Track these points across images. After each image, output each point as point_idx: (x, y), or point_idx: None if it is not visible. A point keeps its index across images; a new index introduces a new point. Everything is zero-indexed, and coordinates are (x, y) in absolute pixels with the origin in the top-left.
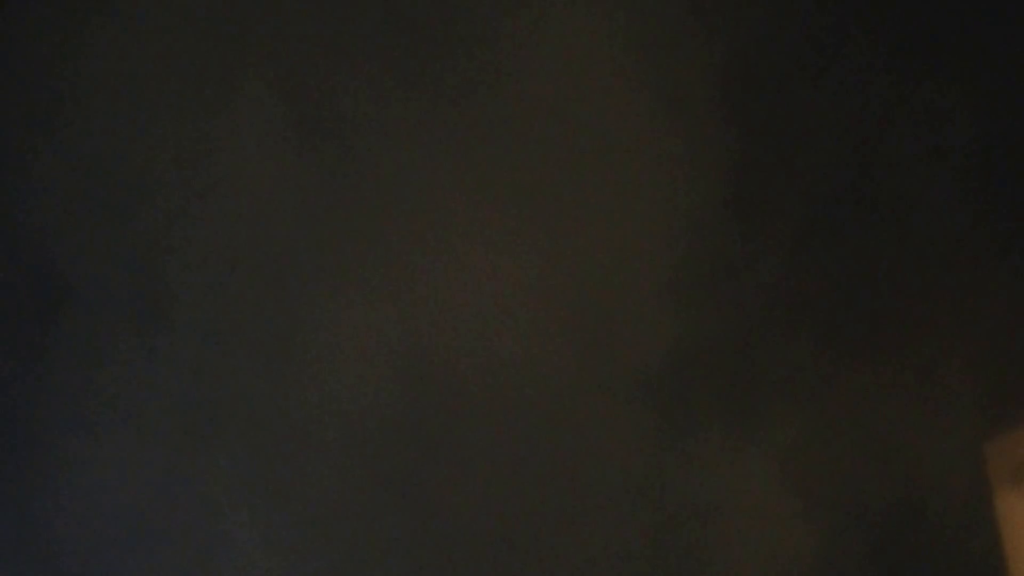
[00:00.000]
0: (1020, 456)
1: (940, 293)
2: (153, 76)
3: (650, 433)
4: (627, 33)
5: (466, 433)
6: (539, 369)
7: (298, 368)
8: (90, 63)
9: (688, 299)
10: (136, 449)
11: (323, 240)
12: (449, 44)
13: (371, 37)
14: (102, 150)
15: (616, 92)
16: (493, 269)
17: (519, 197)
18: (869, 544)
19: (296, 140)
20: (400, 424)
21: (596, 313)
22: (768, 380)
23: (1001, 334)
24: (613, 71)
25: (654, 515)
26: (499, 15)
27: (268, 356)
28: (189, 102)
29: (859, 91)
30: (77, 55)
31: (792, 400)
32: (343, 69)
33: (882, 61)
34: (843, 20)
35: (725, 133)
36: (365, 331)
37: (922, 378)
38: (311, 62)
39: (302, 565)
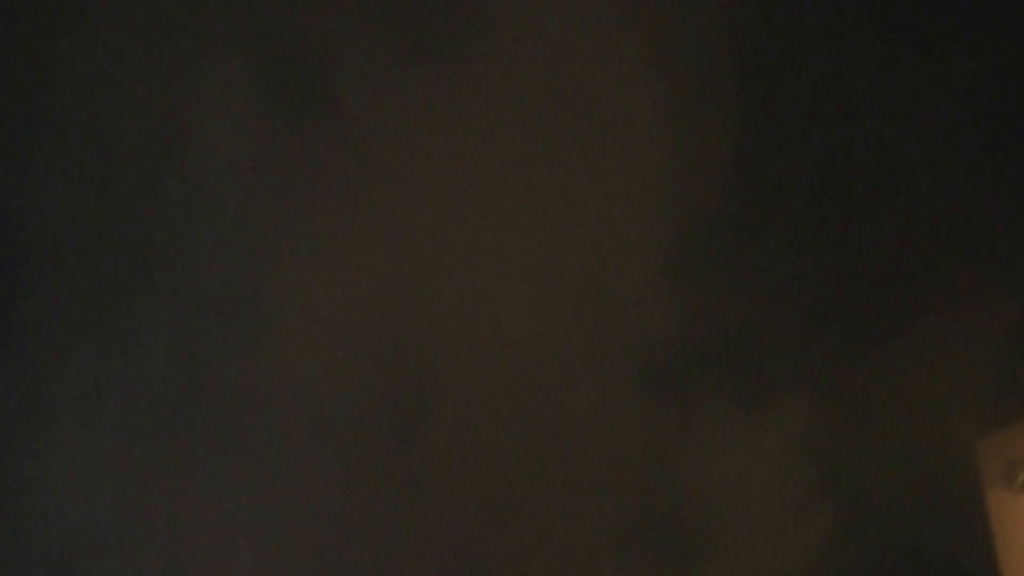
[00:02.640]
0: (1012, 455)
1: (940, 289)
2: (117, 34)
3: (654, 413)
4: None
5: (449, 416)
6: (531, 349)
7: (272, 347)
8: (60, 25)
9: (692, 277)
10: (106, 439)
11: (301, 210)
12: (441, 7)
13: None
14: (71, 118)
15: (618, 63)
16: (482, 244)
17: (513, 168)
18: (879, 526)
19: (271, 105)
20: (377, 405)
21: (594, 290)
22: (772, 360)
23: (996, 335)
24: (615, 38)
25: (660, 496)
26: None
27: (242, 334)
28: (155, 63)
29: (869, 66)
30: (47, 16)
31: (797, 381)
32: (320, 30)
33: (892, 35)
34: None
35: (730, 110)
36: (344, 307)
37: (920, 375)
38: (287, 22)
39: (279, 546)
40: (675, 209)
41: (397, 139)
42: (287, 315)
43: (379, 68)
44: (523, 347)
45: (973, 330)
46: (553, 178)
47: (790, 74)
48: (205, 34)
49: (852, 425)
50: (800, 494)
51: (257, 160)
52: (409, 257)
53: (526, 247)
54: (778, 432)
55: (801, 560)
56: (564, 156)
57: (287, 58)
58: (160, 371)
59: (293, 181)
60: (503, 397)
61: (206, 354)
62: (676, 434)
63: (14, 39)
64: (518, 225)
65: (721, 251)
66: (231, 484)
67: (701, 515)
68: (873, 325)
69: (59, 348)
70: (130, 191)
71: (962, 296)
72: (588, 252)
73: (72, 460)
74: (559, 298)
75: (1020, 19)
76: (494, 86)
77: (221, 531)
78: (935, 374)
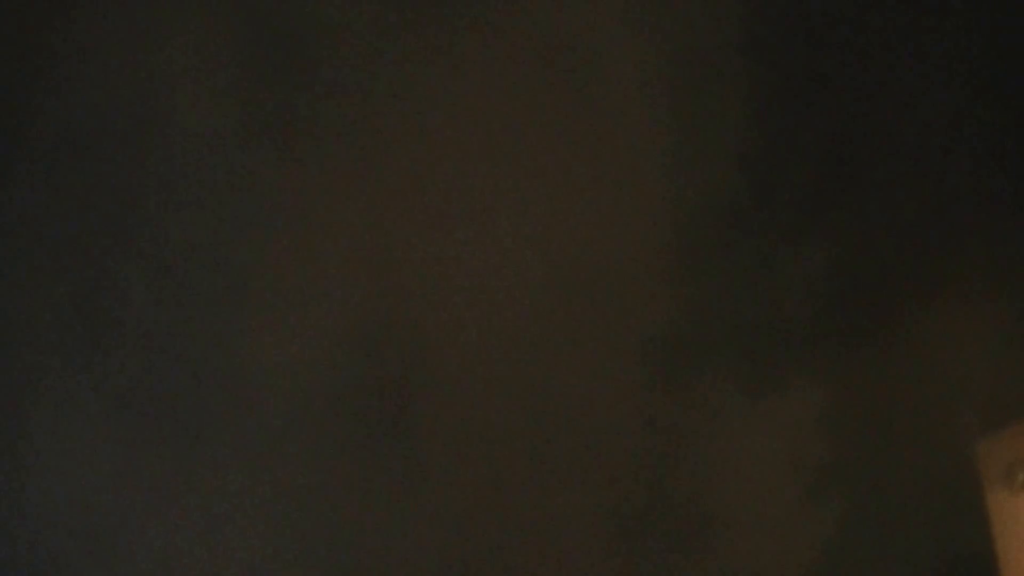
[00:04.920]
0: (1012, 455)
1: (941, 288)
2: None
3: (659, 402)
4: None
5: (443, 405)
6: (530, 335)
7: (258, 333)
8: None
9: (698, 263)
10: (87, 431)
11: (285, 188)
12: None
13: None
14: (40, 96)
15: (621, 40)
16: (478, 226)
17: (511, 145)
18: (878, 526)
19: (253, 76)
20: (369, 394)
21: (596, 275)
22: (777, 350)
23: (996, 335)
24: (618, 15)
25: (665, 486)
26: None
27: (226, 320)
28: (126, 34)
29: (877, 57)
30: None
31: (800, 373)
32: None
33: (901, 26)
34: None
35: (739, 89)
36: (333, 291)
37: (919, 374)
38: None
39: (269, 539)
40: (681, 193)
41: (388, 114)
42: (273, 299)
43: (367, 34)
44: (521, 333)
45: (973, 330)
46: (554, 157)
47: (799, 63)
48: (180, 2)
49: (851, 424)
50: (802, 488)
51: (238, 135)
52: (401, 238)
53: (525, 228)
54: (782, 422)
55: (805, 554)
56: (566, 135)
57: (268, 23)
58: (142, 359)
59: (277, 157)
60: (501, 385)
61: (189, 341)
62: (681, 423)
63: None
64: (516, 204)
65: (727, 237)
66: (217, 475)
67: (706, 505)
68: (873, 323)
69: (37, 339)
70: (105, 171)
71: (963, 295)
72: (590, 236)
73: (52, 452)
74: (560, 282)
75: None
76: (490, 55)
77: (207, 524)
78: (935, 374)
